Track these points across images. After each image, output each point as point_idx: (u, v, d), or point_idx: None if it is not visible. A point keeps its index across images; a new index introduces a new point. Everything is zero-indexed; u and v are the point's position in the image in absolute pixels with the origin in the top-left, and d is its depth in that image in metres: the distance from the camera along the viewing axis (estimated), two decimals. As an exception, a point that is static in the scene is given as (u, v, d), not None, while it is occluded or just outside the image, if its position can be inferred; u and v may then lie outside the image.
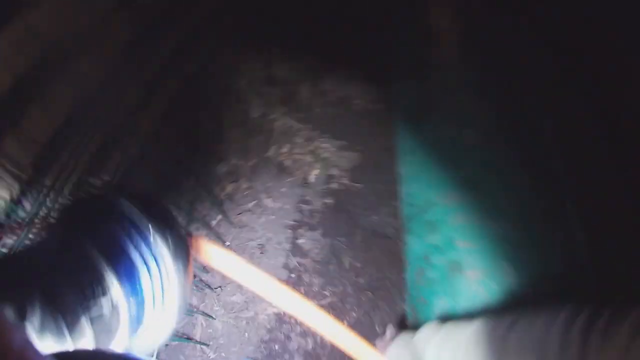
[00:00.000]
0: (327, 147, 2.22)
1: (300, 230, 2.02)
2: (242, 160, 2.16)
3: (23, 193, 1.39)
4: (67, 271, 0.63)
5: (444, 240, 1.48)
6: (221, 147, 2.19)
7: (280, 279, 1.93)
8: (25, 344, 0.34)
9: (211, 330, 1.84)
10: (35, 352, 0.35)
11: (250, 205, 2.05)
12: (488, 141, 1.59)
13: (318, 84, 2.45)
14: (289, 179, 2.13)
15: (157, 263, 0.72)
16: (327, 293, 1.91)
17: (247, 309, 1.88)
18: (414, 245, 1.59)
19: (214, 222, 2.00)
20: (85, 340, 0.60)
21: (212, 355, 1.79)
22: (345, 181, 2.14)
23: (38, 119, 1.43)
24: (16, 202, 1.35)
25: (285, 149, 2.19)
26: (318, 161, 2.16)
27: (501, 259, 1.39)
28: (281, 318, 1.87)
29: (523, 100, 1.68)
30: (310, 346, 1.82)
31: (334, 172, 2.16)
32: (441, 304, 1.43)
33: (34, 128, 1.43)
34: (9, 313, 0.50)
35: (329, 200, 2.09)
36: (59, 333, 0.57)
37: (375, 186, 2.16)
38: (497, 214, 1.46)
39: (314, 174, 2.13)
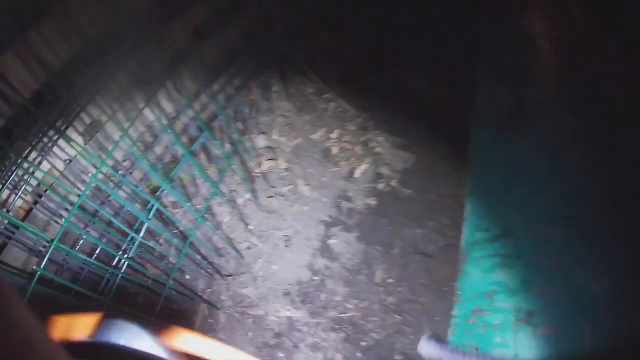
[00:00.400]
0: (381, 141, 1.92)
1: (334, 229, 1.74)
2: (285, 137, 1.89)
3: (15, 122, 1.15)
4: None
5: (516, 280, 1.17)
6: (265, 118, 1.91)
7: (301, 279, 1.66)
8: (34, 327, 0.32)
9: (212, 321, 1.60)
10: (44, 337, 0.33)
11: (285, 189, 1.78)
12: (588, 173, 1.26)
13: (385, 70, 2.14)
14: (332, 169, 1.84)
15: None
16: (350, 306, 1.63)
17: (257, 305, 1.62)
18: (475, 277, 1.28)
19: (240, 201, 1.73)
20: None
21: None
22: (394, 184, 1.84)
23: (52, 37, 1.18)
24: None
25: (334, 135, 1.90)
26: (368, 155, 1.87)
27: (580, 317, 1.08)
28: (293, 324, 1.60)
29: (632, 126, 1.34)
30: (319, 362, 1.55)
31: (384, 171, 1.86)
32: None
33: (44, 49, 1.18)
34: None
35: (372, 201, 1.80)
36: None
37: (426, 196, 1.85)
38: (584, 262, 1.14)
39: (361, 169, 1.84)
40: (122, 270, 1.46)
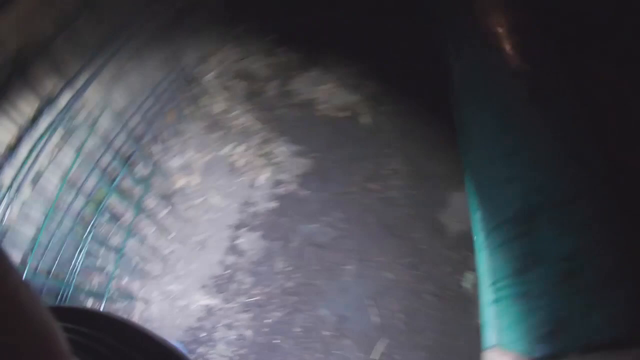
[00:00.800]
0: (281, 151, 2.34)
1: (241, 231, 2.20)
2: (198, 154, 2.30)
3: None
4: None
5: (603, 242, 1.19)
6: (179, 139, 2.32)
7: (215, 274, 2.12)
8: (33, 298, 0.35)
9: (148, 314, 2.07)
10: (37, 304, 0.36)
11: (198, 201, 2.22)
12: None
13: (287, 83, 2.53)
14: (238, 179, 2.27)
15: None
16: (256, 292, 2.11)
17: (181, 298, 2.09)
18: (550, 241, 1.27)
19: (161, 215, 2.17)
20: None
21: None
22: (293, 187, 2.28)
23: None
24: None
25: (240, 149, 2.32)
26: (269, 165, 2.30)
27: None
28: (211, 310, 2.08)
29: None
30: (233, 337, 2.04)
31: (284, 177, 2.30)
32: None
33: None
34: None
35: (273, 204, 2.24)
36: None
37: (321, 195, 2.30)
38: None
39: (263, 177, 2.27)
40: (73, 283, 1.93)
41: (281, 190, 2.28)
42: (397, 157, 2.48)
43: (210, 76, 2.47)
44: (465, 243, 2.38)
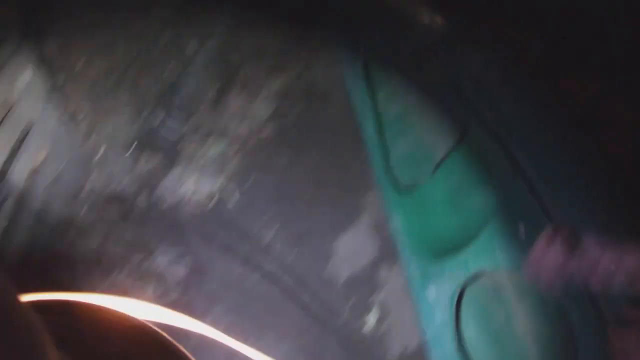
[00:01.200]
0: (159, 261, 2.56)
1: None
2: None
3: None
4: None
5: None
6: (71, 283, 2.59)
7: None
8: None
9: None
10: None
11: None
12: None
13: (154, 191, 2.74)
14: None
15: None
16: None
17: None
18: None
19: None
20: None
21: None
22: (176, 294, 2.52)
23: None
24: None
25: (122, 275, 2.56)
26: (150, 280, 2.52)
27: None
28: None
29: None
30: None
31: (167, 285, 2.53)
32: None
33: None
34: None
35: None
36: None
37: (204, 294, 2.53)
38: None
39: (148, 295, 2.51)
40: None
41: (166, 301, 2.52)
42: (273, 226, 2.64)
43: (82, 209, 2.71)
44: (358, 285, 2.53)
